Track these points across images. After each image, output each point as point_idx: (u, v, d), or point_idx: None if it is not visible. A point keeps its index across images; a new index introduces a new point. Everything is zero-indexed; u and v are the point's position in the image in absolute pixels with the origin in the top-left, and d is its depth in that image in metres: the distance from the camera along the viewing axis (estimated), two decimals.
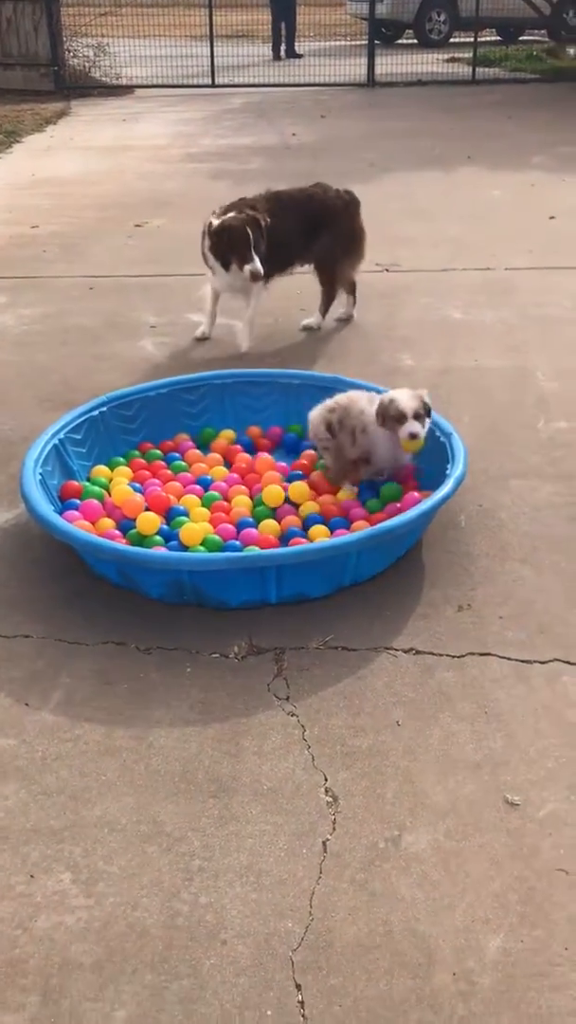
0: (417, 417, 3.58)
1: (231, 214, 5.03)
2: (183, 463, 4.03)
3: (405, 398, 3.60)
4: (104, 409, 4.08)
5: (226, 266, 5.05)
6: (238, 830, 2.44)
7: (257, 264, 4.92)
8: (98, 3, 17.97)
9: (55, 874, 2.33)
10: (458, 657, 3.04)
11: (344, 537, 3.25)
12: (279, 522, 3.53)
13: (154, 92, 15.92)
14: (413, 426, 3.57)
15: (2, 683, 2.94)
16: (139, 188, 9.39)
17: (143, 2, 19.91)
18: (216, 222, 5.02)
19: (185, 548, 3.38)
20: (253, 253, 4.91)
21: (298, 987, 2.07)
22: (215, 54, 16.15)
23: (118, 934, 2.19)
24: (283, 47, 19.30)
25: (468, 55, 17.36)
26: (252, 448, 4.17)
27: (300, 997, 2.05)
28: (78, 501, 3.64)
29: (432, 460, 3.77)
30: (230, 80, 16.37)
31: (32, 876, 2.32)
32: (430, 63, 17.13)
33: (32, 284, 6.57)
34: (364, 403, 3.77)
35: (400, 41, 21.26)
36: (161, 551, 3.33)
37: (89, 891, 2.29)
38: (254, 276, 4.95)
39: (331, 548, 3.18)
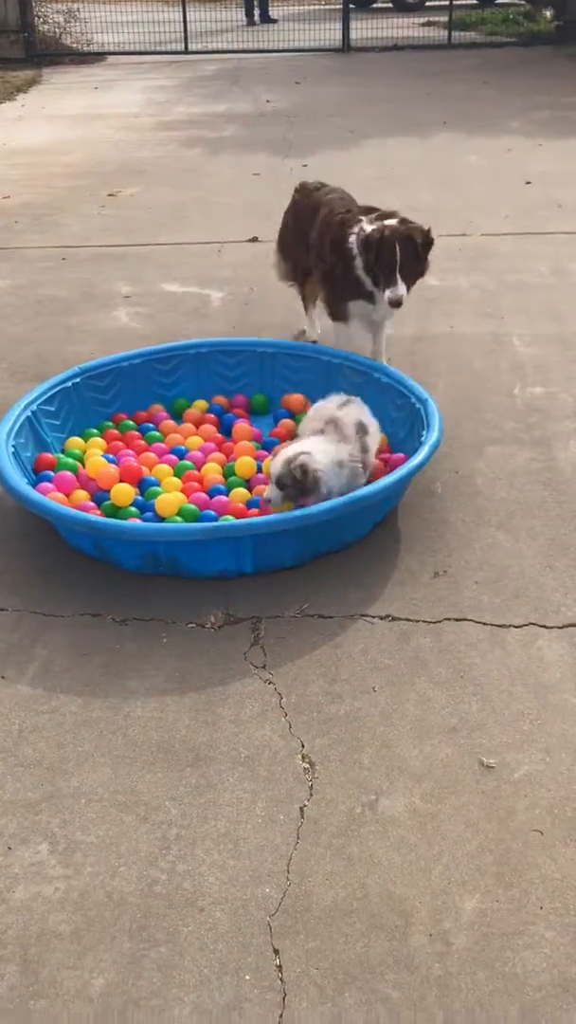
0: (280, 484, 3.24)
1: (389, 222, 4.10)
2: (157, 433, 4.00)
3: (278, 463, 3.26)
4: (77, 380, 4.04)
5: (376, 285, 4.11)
6: (215, 798, 2.45)
7: (402, 289, 4.01)
8: None
9: (32, 845, 2.33)
10: (434, 623, 3.04)
11: (320, 505, 3.24)
12: (251, 491, 3.52)
13: (126, 59, 15.67)
14: (269, 491, 3.28)
15: None
16: (112, 157, 9.26)
17: None
18: (371, 229, 4.06)
19: (161, 519, 3.36)
20: (399, 275, 4.00)
21: (276, 951, 2.09)
22: (188, 19, 15.90)
23: (96, 903, 2.19)
24: (257, 12, 19.01)
25: (444, 19, 17.15)
26: (225, 417, 4.15)
27: (278, 961, 2.07)
28: (52, 473, 3.61)
29: (408, 427, 3.76)
30: (203, 46, 16.13)
31: (9, 848, 2.32)
32: (406, 27, 16.91)
33: (3, 255, 6.48)
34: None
35: (375, 5, 20.98)
36: (135, 523, 3.31)
37: (67, 861, 2.29)
38: (394, 303, 4.04)
39: (307, 517, 3.17)
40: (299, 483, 3.21)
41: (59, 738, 2.63)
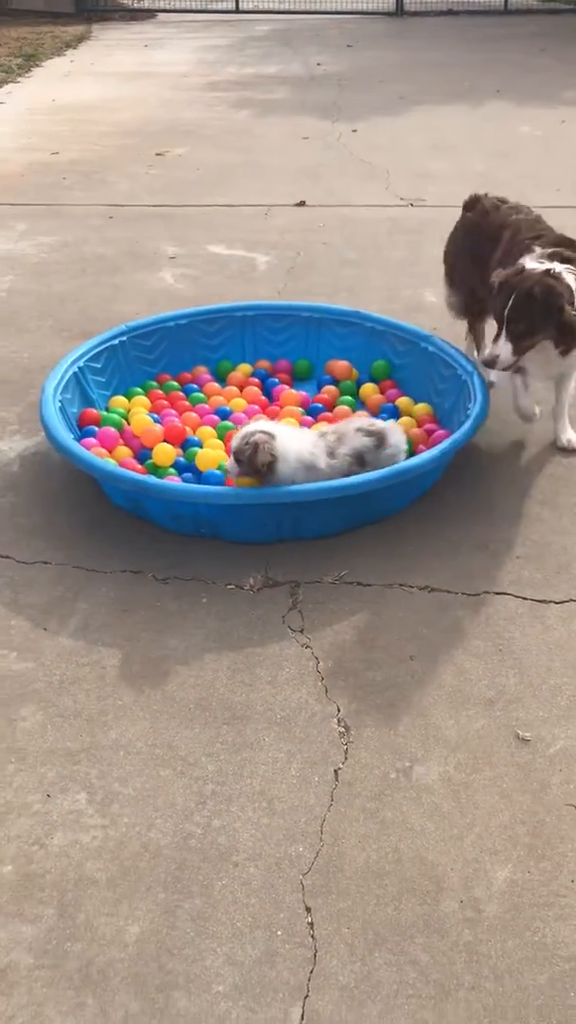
0: (236, 458, 3.17)
1: (558, 266, 3.39)
2: (201, 394, 4.01)
3: (238, 436, 3.22)
4: (124, 338, 4.04)
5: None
6: (251, 757, 2.47)
7: (500, 350, 3.39)
8: None
9: (71, 794, 2.37)
10: (474, 595, 3.04)
11: (364, 476, 3.23)
12: None
13: (176, 17, 15.48)
14: (229, 462, 3.24)
15: (21, 608, 2.96)
16: (160, 116, 9.19)
17: None
18: (521, 268, 3.40)
19: (200, 473, 3.38)
20: (504, 331, 3.38)
21: (308, 909, 2.11)
22: None
23: (132, 853, 2.23)
24: None
25: None
26: (269, 381, 4.14)
27: (309, 919, 2.10)
28: (96, 429, 3.62)
29: (454, 399, 3.73)
30: (255, 6, 15.90)
31: (48, 795, 2.36)
32: None
33: (51, 212, 6.47)
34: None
35: None
36: (178, 482, 3.32)
37: (104, 811, 2.33)
38: (486, 362, 3.48)
39: (351, 487, 3.16)
40: (251, 461, 3.13)
41: (99, 691, 2.66)
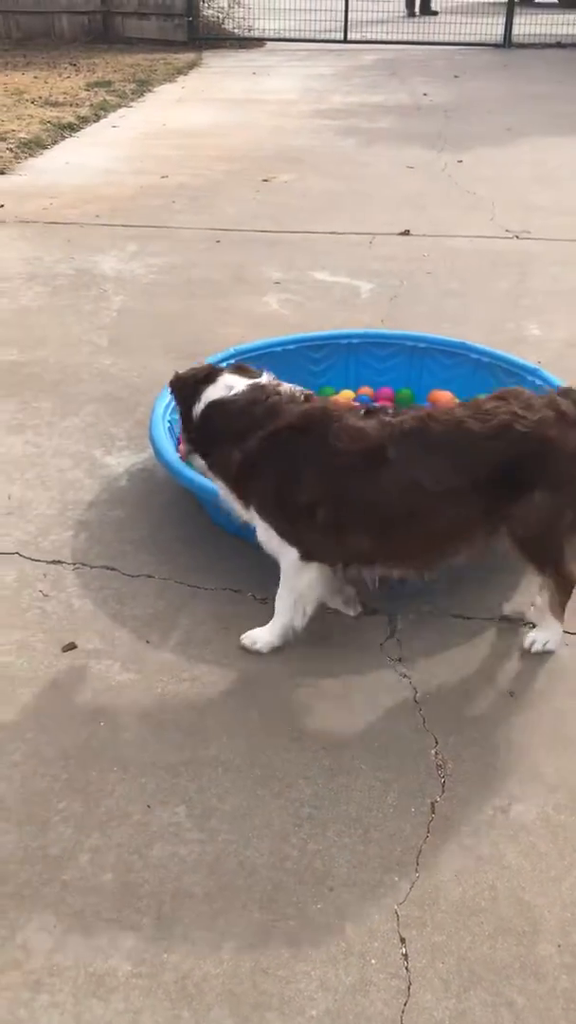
0: None
1: None
2: None
3: None
4: (232, 361, 4.10)
5: None
6: (348, 783, 2.48)
7: None
8: None
9: (171, 807, 2.41)
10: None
11: None
12: None
13: (285, 46, 15.77)
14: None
15: (125, 619, 3.03)
16: (267, 142, 9.36)
17: None
18: None
19: None
20: None
21: (402, 940, 2.11)
22: (349, 9, 15.87)
23: (229, 870, 2.26)
24: (418, 3, 18.83)
25: None
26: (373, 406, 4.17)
27: (404, 950, 2.09)
28: None
29: None
30: (362, 36, 16.09)
31: (149, 806, 2.41)
32: (570, 24, 16.46)
33: (160, 234, 6.64)
34: None
35: (540, 0, 20.49)
36: None
37: (202, 826, 2.36)
38: None
39: None
40: None
41: (199, 706, 2.70)
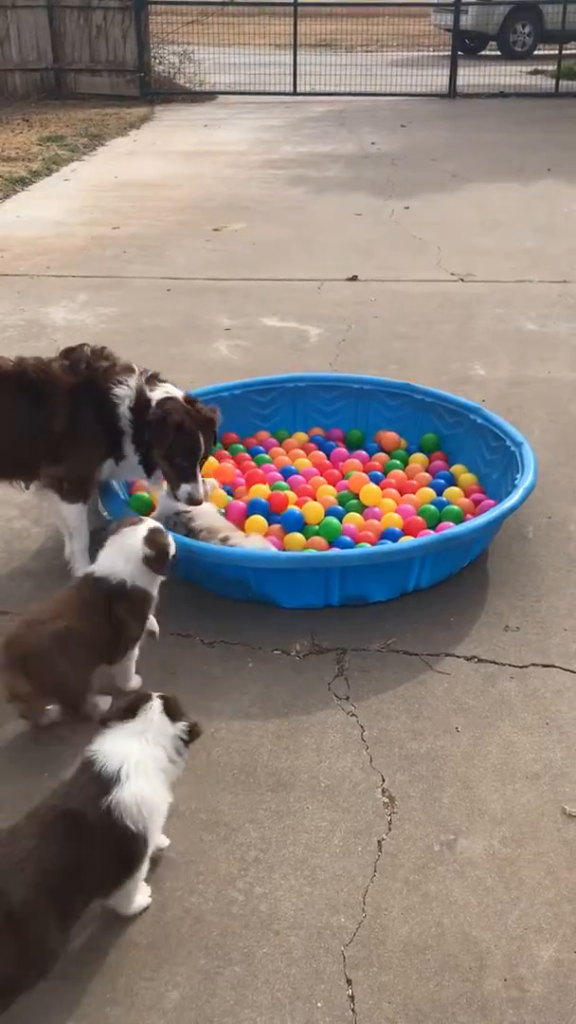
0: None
1: None
2: (266, 455, 4.15)
3: None
4: None
5: None
6: (294, 824, 2.47)
7: None
8: (185, 12, 18.17)
9: None
10: (521, 667, 3.03)
11: (410, 541, 3.26)
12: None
13: (236, 99, 16.09)
14: None
15: None
16: (218, 193, 9.51)
17: (229, 11, 20.10)
18: None
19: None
20: None
21: (349, 982, 2.09)
22: (297, 62, 16.25)
23: (174, 917, 2.23)
24: None
25: (552, 68, 17.21)
26: (327, 445, 4.25)
27: (350, 991, 2.07)
28: (148, 495, 3.71)
29: (502, 469, 3.77)
30: (311, 88, 16.46)
31: None
32: (513, 75, 17.00)
33: (111, 284, 6.70)
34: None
35: (483, 52, 21.14)
36: (227, 548, 3.37)
37: (147, 874, 2.33)
38: None
39: (396, 552, 3.20)
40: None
41: None
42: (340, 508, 3.72)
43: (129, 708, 2.23)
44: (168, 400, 3.27)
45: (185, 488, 3.28)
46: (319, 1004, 2.05)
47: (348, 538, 3.49)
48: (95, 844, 2.01)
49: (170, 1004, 2.05)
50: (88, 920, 2.21)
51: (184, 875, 2.34)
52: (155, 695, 2.26)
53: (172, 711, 2.24)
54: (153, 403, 3.26)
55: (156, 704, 2.23)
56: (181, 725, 2.23)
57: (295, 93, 16.25)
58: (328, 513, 3.64)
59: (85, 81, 15.44)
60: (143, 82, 15.49)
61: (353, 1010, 2.04)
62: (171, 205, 8.98)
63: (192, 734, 2.24)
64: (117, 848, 2.05)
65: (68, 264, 7.12)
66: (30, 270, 6.96)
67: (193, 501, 3.29)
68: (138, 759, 2.12)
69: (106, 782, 2.06)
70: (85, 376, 3.25)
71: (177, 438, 3.23)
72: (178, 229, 8.14)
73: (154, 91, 15.73)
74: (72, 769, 2.19)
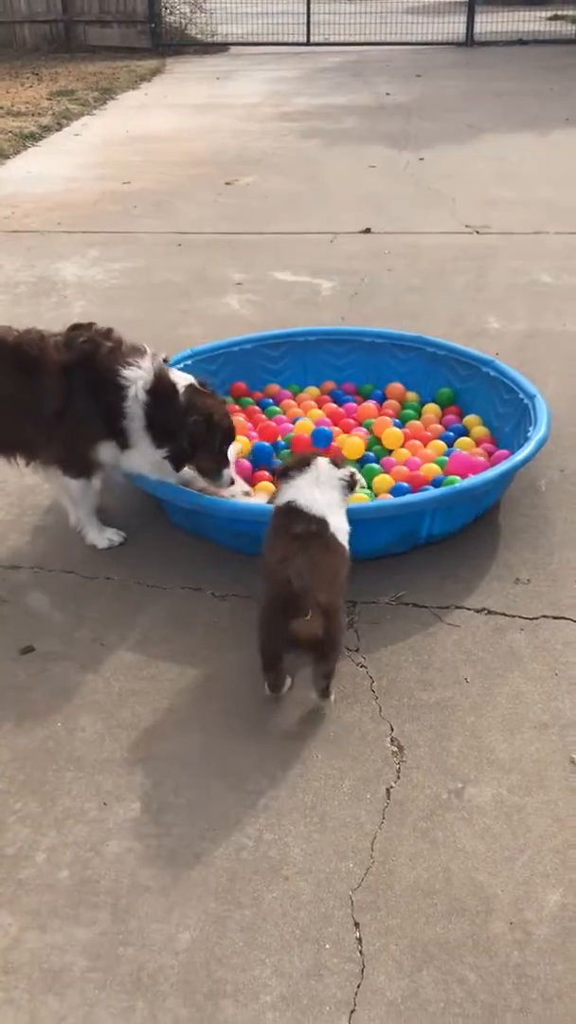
0: None
1: None
2: (277, 408, 4.13)
3: None
4: (189, 362, 4.12)
5: None
6: (304, 772, 2.50)
7: None
8: None
9: (126, 803, 2.42)
10: (531, 619, 3.03)
11: (420, 494, 3.25)
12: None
13: (249, 50, 15.83)
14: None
15: (83, 621, 3.04)
16: (231, 146, 9.39)
17: None
18: None
19: None
20: None
21: (356, 924, 2.13)
22: (311, 11, 15.93)
23: (184, 863, 2.27)
24: None
25: (572, 13, 16.80)
26: (343, 398, 4.24)
27: (358, 934, 2.11)
28: None
29: (514, 422, 3.74)
30: (325, 38, 16.16)
31: (105, 803, 2.42)
32: (532, 21, 16.61)
33: (122, 239, 6.65)
34: None
35: None
36: (235, 501, 3.37)
37: (158, 820, 2.37)
38: None
39: (406, 505, 3.19)
40: None
41: (156, 703, 2.71)
42: (371, 454, 3.77)
43: (300, 462, 2.80)
44: (205, 397, 3.18)
45: (227, 474, 3.25)
46: (327, 946, 2.08)
47: (406, 484, 3.49)
48: (334, 554, 2.66)
49: (181, 945, 2.09)
50: (99, 866, 2.26)
51: (194, 821, 2.37)
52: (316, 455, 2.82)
53: (335, 463, 2.82)
54: (180, 392, 3.15)
55: (321, 459, 2.80)
56: (343, 471, 2.80)
57: (308, 43, 15.97)
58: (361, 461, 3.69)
59: (95, 33, 15.22)
60: (154, 33, 15.27)
61: (360, 952, 2.07)
62: (183, 159, 8.87)
63: (352, 479, 2.81)
64: (342, 556, 2.69)
65: (79, 219, 7.06)
66: (41, 226, 6.91)
67: (232, 483, 3.28)
68: (328, 500, 2.72)
69: (318, 519, 2.66)
70: (83, 353, 3.14)
71: (225, 438, 3.20)
72: (189, 183, 8.05)
73: (165, 43, 15.50)
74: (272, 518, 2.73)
